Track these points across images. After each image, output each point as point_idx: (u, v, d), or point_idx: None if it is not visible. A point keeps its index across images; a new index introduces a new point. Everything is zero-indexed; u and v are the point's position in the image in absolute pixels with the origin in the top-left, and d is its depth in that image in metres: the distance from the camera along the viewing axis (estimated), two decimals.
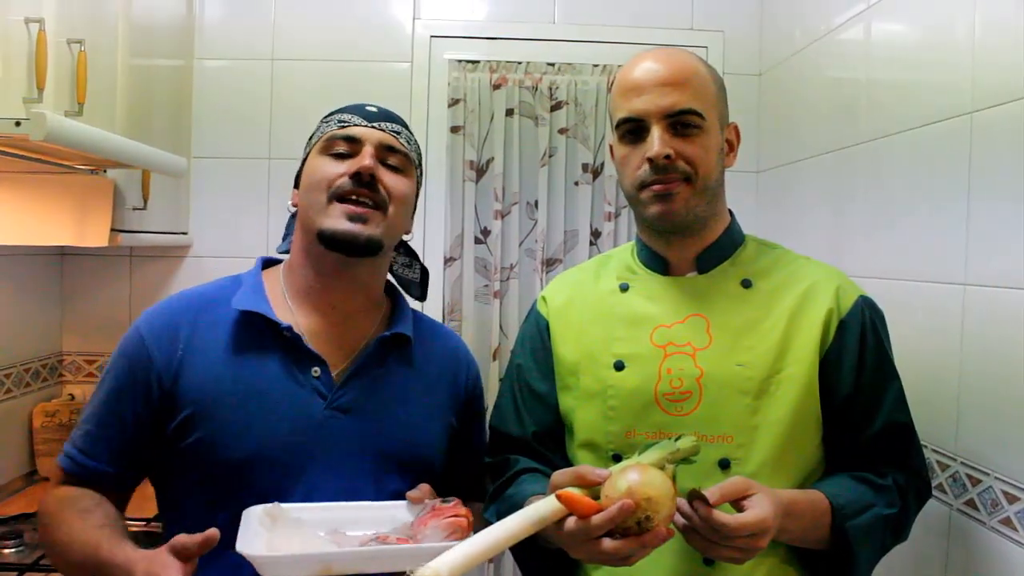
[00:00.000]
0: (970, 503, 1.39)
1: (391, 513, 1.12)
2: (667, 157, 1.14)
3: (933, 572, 1.48)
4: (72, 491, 1.17)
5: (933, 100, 1.54)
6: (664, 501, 0.96)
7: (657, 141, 1.15)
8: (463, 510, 1.06)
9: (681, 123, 1.16)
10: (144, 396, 1.16)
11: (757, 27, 2.56)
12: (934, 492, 1.47)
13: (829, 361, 1.17)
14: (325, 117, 1.27)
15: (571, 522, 0.97)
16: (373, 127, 1.22)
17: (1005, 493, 1.30)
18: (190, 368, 1.16)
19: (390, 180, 1.20)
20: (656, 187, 1.16)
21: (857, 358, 1.17)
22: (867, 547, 1.12)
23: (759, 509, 0.99)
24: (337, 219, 1.16)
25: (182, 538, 0.98)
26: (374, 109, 1.25)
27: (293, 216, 1.30)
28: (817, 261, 1.27)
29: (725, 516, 0.97)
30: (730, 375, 1.14)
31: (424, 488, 1.14)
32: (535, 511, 0.99)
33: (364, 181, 1.17)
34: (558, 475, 1.04)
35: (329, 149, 1.20)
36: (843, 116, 1.94)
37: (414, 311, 1.33)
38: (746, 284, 1.21)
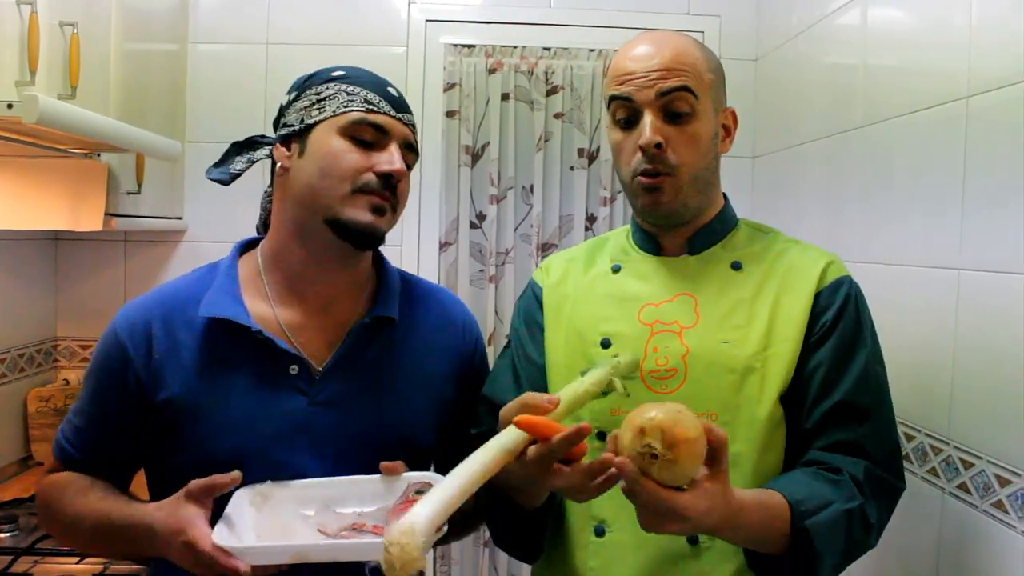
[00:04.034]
0: (962, 486, 1.40)
1: (382, 487, 1.11)
2: (658, 146, 1.14)
3: (925, 555, 1.49)
4: (64, 476, 1.18)
5: (929, 85, 1.54)
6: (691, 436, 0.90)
7: (648, 128, 1.14)
8: None
9: (673, 107, 1.15)
10: (124, 392, 1.15)
11: (754, 12, 2.56)
12: (927, 476, 1.49)
13: (811, 341, 1.15)
14: (336, 77, 1.20)
15: (532, 449, 0.96)
16: (399, 119, 1.17)
17: (997, 476, 1.31)
18: (167, 371, 1.14)
19: (403, 185, 1.18)
20: (644, 180, 1.17)
21: (829, 330, 1.15)
22: (831, 546, 1.05)
23: (694, 499, 0.92)
24: (361, 210, 1.13)
25: (198, 483, 1.01)
26: (395, 93, 1.19)
27: (268, 196, 1.25)
28: (809, 244, 1.26)
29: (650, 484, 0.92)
30: (715, 352, 1.14)
31: (398, 463, 1.11)
32: (498, 441, 0.96)
33: (391, 183, 1.14)
34: (505, 409, 1.01)
35: (352, 132, 1.14)
36: (839, 101, 1.93)
37: (410, 278, 1.31)
38: (736, 267, 1.21)
